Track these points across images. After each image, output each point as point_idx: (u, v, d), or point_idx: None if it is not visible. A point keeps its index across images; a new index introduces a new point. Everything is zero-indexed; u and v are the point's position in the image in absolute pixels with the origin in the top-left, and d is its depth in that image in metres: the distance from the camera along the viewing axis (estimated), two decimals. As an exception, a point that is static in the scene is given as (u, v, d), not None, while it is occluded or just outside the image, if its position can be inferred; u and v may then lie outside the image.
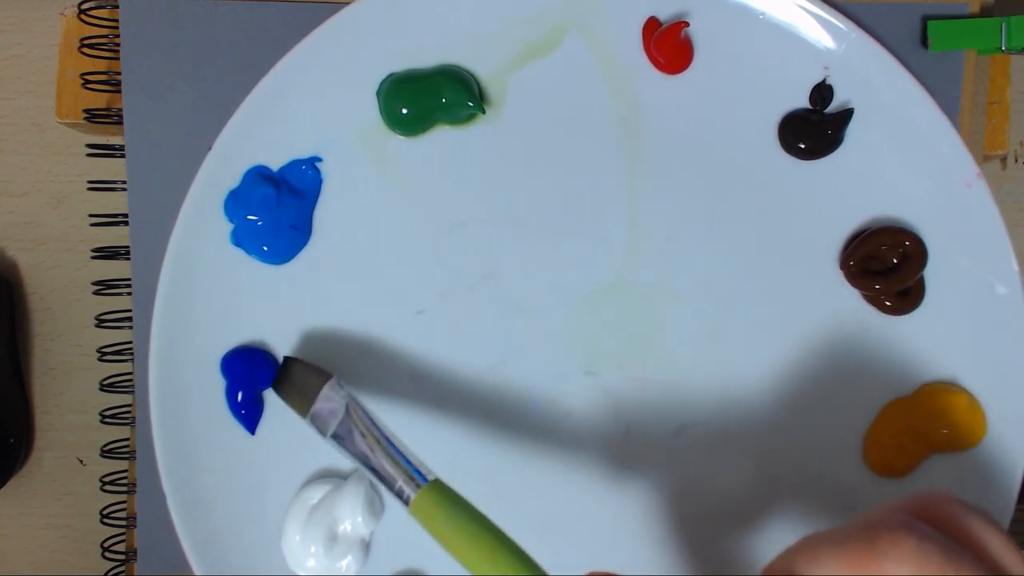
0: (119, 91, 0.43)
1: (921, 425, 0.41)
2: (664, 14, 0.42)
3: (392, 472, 0.36)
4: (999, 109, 0.44)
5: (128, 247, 0.43)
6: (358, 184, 0.42)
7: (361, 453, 0.37)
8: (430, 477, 0.35)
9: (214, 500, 0.42)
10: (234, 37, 0.43)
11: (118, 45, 0.43)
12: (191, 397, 0.42)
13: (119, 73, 0.43)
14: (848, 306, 0.42)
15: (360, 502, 0.40)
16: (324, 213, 0.42)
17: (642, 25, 0.42)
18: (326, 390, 0.38)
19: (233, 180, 0.42)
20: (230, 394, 0.42)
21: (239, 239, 0.42)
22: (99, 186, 0.44)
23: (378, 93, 0.42)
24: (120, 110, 0.43)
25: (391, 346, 0.42)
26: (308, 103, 0.42)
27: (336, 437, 0.38)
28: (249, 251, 0.42)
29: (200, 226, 0.41)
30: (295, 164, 0.42)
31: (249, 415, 0.42)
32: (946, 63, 0.42)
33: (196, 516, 0.41)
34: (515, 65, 0.43)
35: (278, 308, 0.42)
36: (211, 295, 0.42)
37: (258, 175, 0.42)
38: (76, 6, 0.43)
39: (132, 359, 0.43)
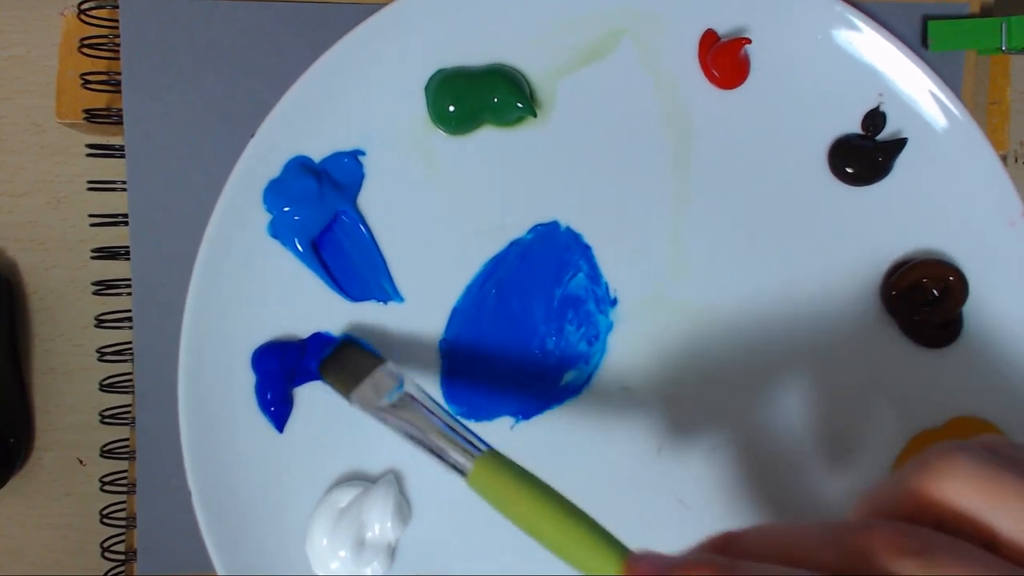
0: (119, 91, 0.43)
1: None
2: (722, 28, 0.42)
3: (446, 445, 0.35)
4: (999, 109, 0.44)
5: (128, 247, 0.43)
6: (400, 180, 0.42)
7: (414, 428, 0.36)
8: (484, 448, 0.34)
9: (239, 499, 0.41)
10: (234, 37, 0.43)
11: (118, 45, 0.43)
12: (220, 392, 0.41)
13: (119, 73, 0.43)
14: (885, 335, 0.42)
15: (390, 507, 0.40)
16: (363, 207, 0.42)
17: (699, 37, 0.42)
18: (379, 371, 0.38)
19: (274, 170, 0.42)
20: (260, 390, 0.42)
21: (277, 231, 0.42)
22: (99, 186, 0.44)
23: (426, 89, 0.42)
24: (120, 110, 0.43)
25: (423, 340, 0.42)
26: (354, 95, 0.42)
27: (385, 414, 0.37)
28: (286, 244, 0.42)
29: (237, 215, 0.41)
30: (337, 156, 0.42)
31: (278, 412, 0.42)
32: (946, 63, 0.42)
33: (221, 515, 0.41)
34: (566, 69, 0.42)
35: (313, 303, 0.42)
36: (245, 287, 0.42)
37: (300, 166, 0.41)
38: (76, 6, 0.43)
39: (132, 359, 0.43)
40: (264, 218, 0.42)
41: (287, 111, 0.41)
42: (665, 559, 0.27)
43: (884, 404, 0.42)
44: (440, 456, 0.35)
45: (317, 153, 0.42)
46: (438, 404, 0.37)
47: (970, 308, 0.42)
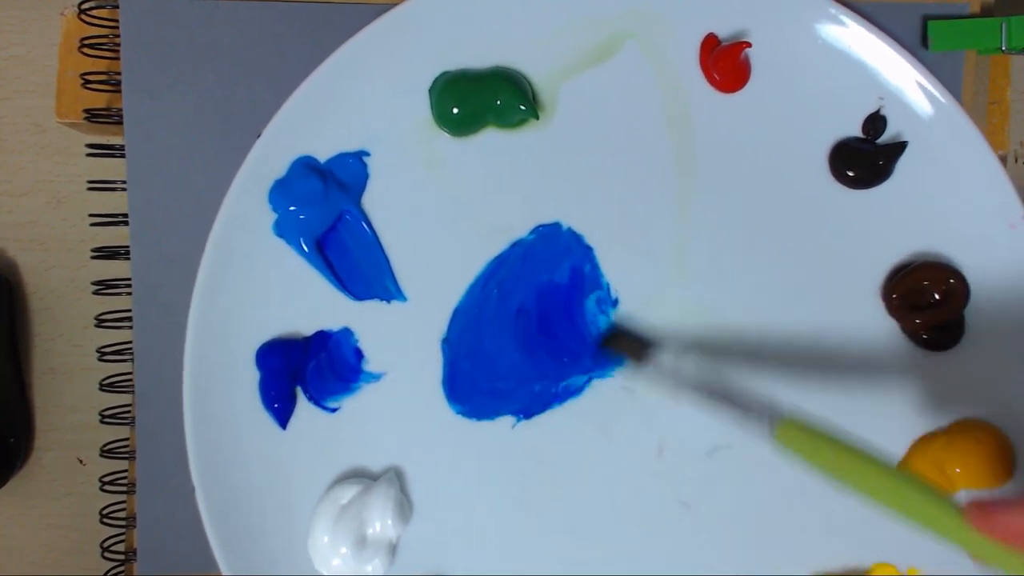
0: (119, 91, 0.43)
1: (951, 461, 0.40)
2: (724, 32, 0.42)
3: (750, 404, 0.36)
4: (999, 109, 0.44)
5: (128, 247, 0.43)
6: (403, 181, 0.42)
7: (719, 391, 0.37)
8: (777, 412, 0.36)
9: (242, 495, 0.42)
10: (234, 37, 0.43)
11: (118, 45, 0.43)
12: (223, 389, 0.42)
13: (119, 73, 0.43)
14: (886, 338, 0.42)
15: (391, 505, 0.40)
16: (368, 207, 0.42)
17: (700, 41, 0.42)
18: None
19: (280, 169, 0.42)
20: (264, 388, 0.42)
21: (281, 230, 0.42)
22: (99, 186, 0.44)
23: (430, 91, 0.42)
24: (120, 110, 0.43)
25: (425, 339, 0.42)
26: (359, 96, 0.42)
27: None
28: (291, 243, 0.42)
29: (243, 214, 0.41)
30: (342, 157, 0.42)
31: (282, 410, 0.42)
32: (946, 63, 0.42)
33: (224, 511, 0.41)
34: (569, 72, 0.43)
35: (316, 301, 0.42)
36: (250, 285, 0.42)
37: (305, 166, 0.42)
38: (76, 6, 0.43)
39: (132, 359, 0.43)
40: (269, 217, 0.42)
41: (293, 112, 0.41)
42: (1002, 502, 0.29)
43: (886, 407, 0.42)
44: (743, 413, 0.36)
45: (322, 153, 0.42)
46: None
47: (971, 311, 0.42)
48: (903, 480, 0.33)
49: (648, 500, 0.42)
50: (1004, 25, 0.42)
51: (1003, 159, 0.47)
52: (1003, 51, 0.42)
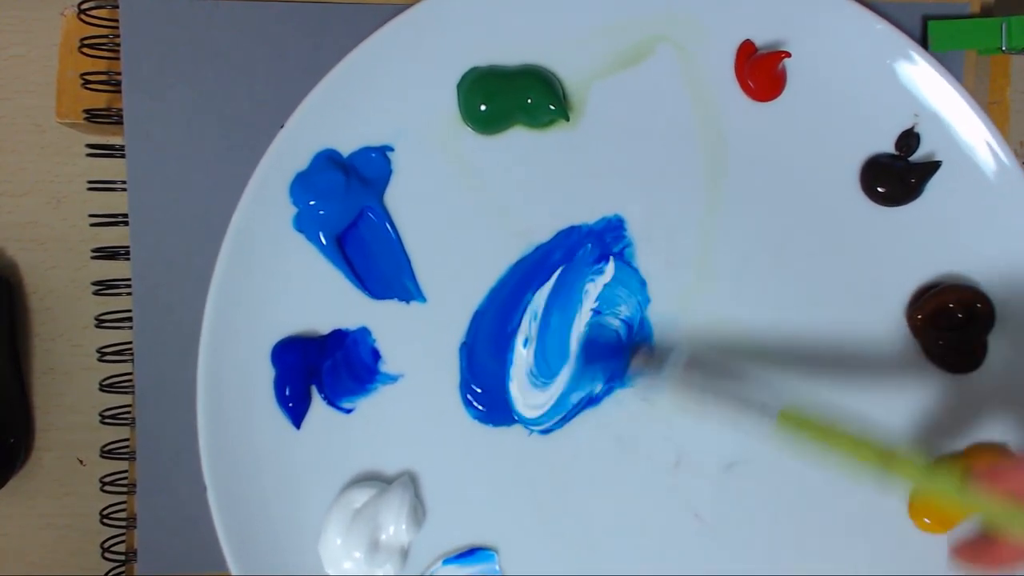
0: (119, 91, 0.43)
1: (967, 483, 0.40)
2: (761, 39, 0.42)
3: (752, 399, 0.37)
4: (999, 109, 0.44)
5: (128, 247, 0.43)
6: (427, 178, 0.42)
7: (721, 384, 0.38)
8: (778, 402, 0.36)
9: (254, 494, 0.41)
10: (234, 37, 0.43)
11: (118, 45, 0.43)
12: (238, 385, 0.41)
13: (119, 73, 0.43)
14: (908, 358, 0.42)
15: (406, 509, 0.40)
16: (390, 204, 0.42)
17: (737, 47, 0.42)
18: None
19: (302, 162, 0.41)
20: (279, 385, 0.41)
21: (301, 224, 0.41)
22: (99, 186, 0.44)
23: (459, 86, 0.42)
24: (120, 110, 0.43)
25: (443, 342, 0.42)
26: (386, 89, 0.42)
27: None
28: (310, 238, 0.42)
29: (263, 207, 0.41)
30: (365, 151, 0.42)
31: (296, 409, 0.42)
32: (946, 63, 0.42)
33: (235, 510, 0.41)
34: (601, 73, 0.42)
35: (334, 299, 0.42)
36: (268, 280, 0.41)
37: (327, 159, 0.41)
38: (76, 6, 0.43)
39: (132, 359, 0.43)
40: (290, 211, 0.42)
41: (317, 103, 0.41)
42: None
43: (904, 427, 0.42)
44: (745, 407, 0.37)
45: (345, 147, 0.42)
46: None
47: (994, 335, 0.41)
48: (900, 453, 0.33)
49: (663, 512, 0.42)
50: (1004, 25, 0.42)
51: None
52: (1003, 51, 0.42)
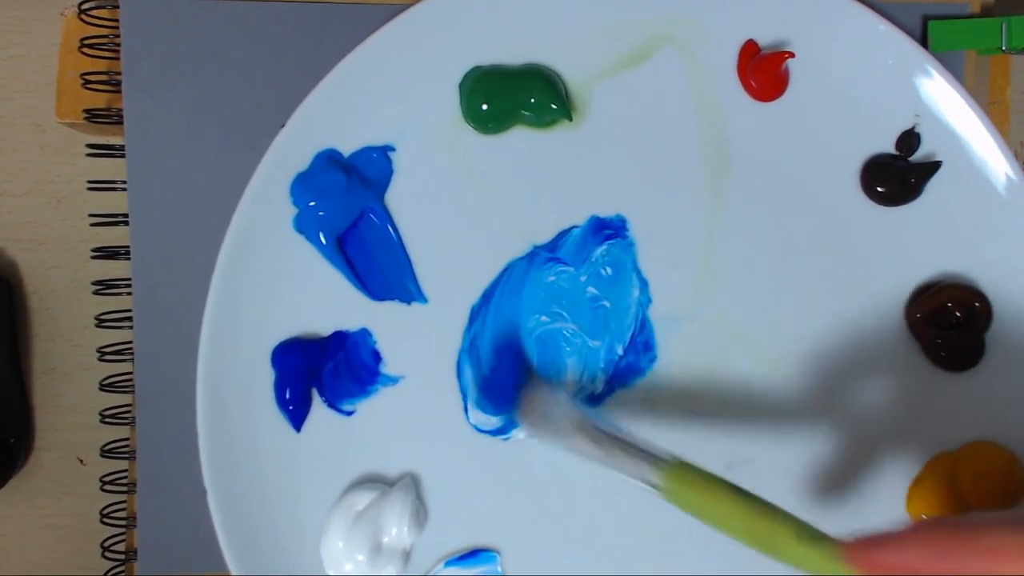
0: (119, 91, 0.43)
1: (963, 481, 0.40)
2: (764, 39, 0.42)
3: (629, 463, 0.35)
4: (999, 109, 0.44)
5: (128, 247, 0.43)
6: (429, 178, 0.42)
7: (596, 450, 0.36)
8: (671, 459, 0.35)
9: (254, 497, 0.41)
10: (234, 37, 0.43)
11: (118, 45, 0.43)
12: (238, 388, 0.41)
13: (119, 73, 0.43)
14: (907, 356, 0.42)
15: (407, 511, 0.40)
16: (391, 204, 0.42)
17: (739, 47, 0.42)
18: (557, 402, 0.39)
19: (302, 162, 0.41)
20: (279, 388, 0.41)
21: (302, 225, 0.41)
22: (99, 186, 0.44)
23: (461, 85, 0.42)
24: (120, 110, 0.43)
25: (444, 344, 0.42)
26: (387, 88, 0.41)
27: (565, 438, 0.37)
28: (311, 239, 0.41)
29: (264, 207, 0.41)
30: (367, 151, 0.42)
31: (296, 411, 0.41)
32: (946, 63, 0.42)
33: (235, 512, 0.41)
34: (604, 73, 0.42)
35: (335, 300, 0.42)
36: (268, 281, 0.41)
37: (328, 159, 0.41)
38: (76, 6, 0.43)
39: (132, 359, 0.43)
40: (290, 212, 0.41)
41: (318, 103, 0.41)
42: (879, 538, 0.28)
43: (901, 425, 0.42)
44: (629, 474, 0.35)
45: (346, 147, 0.42)
46: (609, 426, 0.37)
47: (992, 333, 0.41)
48: (783, 522, 0.32)
49: (664, 514, 0.41)
50: (1004, 25, 0.42)
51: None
52: (1003, 51, 0.42)
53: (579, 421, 0.37)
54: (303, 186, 0.41)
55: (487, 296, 0.42)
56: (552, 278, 0.42)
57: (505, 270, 0.42)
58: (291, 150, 0.41)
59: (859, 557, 0.29)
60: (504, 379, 0.41)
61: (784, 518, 0.32)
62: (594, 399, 0.42)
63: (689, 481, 0.34)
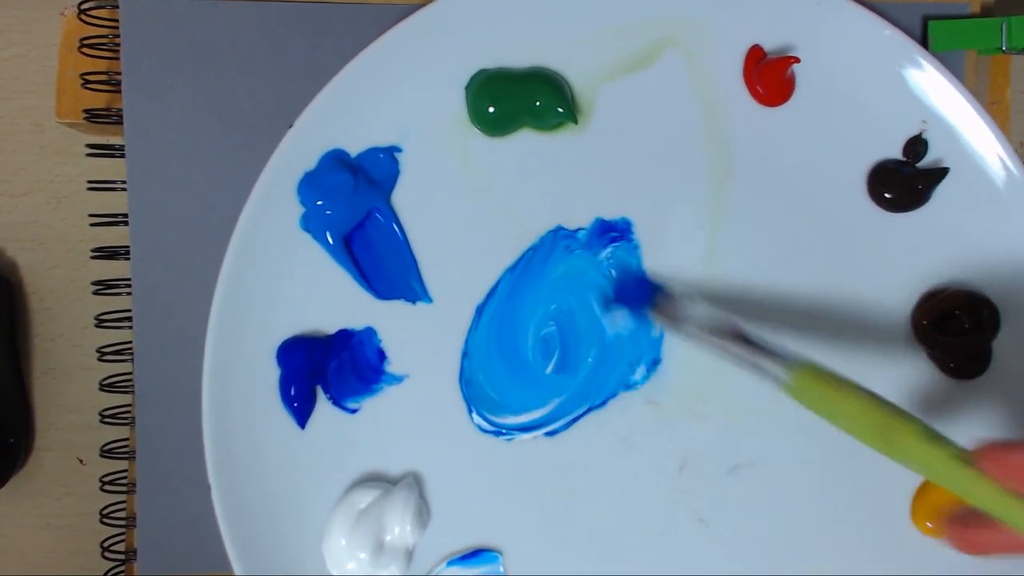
0: (119, 91, 0.43)
1: None
2: (769, 44, 0.42)
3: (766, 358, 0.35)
4: (999, 109, 0.44)
5: (128, 247, 0.43)
6: (435, 179, 0.42)
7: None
8: (800, 359, 0.35)
9: (258, 494, 0.41)
10: (234, 37, 0.43)
11: (118, 45, 0.43)
12: (243, 385, 0.41)
13: (119, 73, 0.43)
14: (913, 363, 0.42)
15: (411, 510, 0.40)
16: (397, 204, 0.42)
17: (745, 52, 0.42)
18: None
19: (310, 162, 0.41)
20: (284, 385, 0.41)
21: (309, 224, 0.42)
22: (99, 186, 0.44)
23: (467, 88, 0.42)
24: (120, 110, 0.43)
25: (449, 343, 0.42)
26: (394, 90, 0.42)
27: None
28: (317, 238, 0.42)
29: (271, 207, 0.41)
30: (373, 152, 0.42)
31: (301, 409, 0.42)
32: (946, 63, 0.42)
33: (239, 511, 0.41)
34: (609, 76, 0.42)
35: (340, 299, 0.42)
36: (274, 279, 0.41)
37: (335, 159, 0.41)
38: (76, 6, 0.43)
39: (132, 359, 0.43)
40: (297, 211, 0.41)
41: (326, 103, 0.41)
42: (1014, 441, 0.29)
43: None
44: (760, 371, 0.35)
45: (354, 148, 0.42)
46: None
47: (999, 341, 0.41)
48: (908, 421, 0.32)
49: (667, 516, 0.42)
50: (1004, 25, 0.42)
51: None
52: (1003, 51, 0.42)
53: (714, 322, 0.38)
54: (310, 186, 0.41)
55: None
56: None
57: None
58: (299, 150, 0.41)
59: (992, 459, 0.29)
60: (632, 288, 0.41)
61: (909, 418, 0.32)
62: (597, 401, 0.42)
63: (817, 378, 0.34)
